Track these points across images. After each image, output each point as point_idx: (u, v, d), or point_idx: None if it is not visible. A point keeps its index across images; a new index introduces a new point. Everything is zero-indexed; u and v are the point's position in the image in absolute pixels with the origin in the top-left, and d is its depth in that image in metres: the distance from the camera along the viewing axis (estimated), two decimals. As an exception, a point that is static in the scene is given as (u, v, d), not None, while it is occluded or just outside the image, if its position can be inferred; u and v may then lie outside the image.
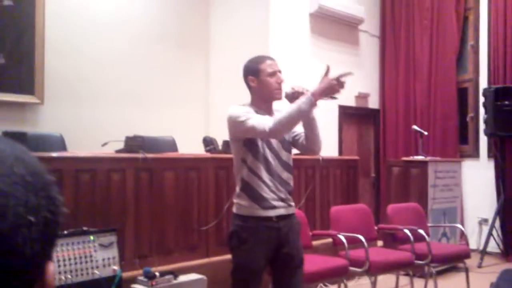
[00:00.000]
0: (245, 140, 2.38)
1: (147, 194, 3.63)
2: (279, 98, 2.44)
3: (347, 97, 6.43)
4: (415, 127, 5.60)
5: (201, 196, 3.97)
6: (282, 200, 2.42)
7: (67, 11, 5.03)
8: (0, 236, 0.45)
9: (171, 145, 4.86)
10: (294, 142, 2.52)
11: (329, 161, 5.01)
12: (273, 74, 2.40)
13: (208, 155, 4.28)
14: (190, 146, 5.03)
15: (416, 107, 6.59)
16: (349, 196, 5.20)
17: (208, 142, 4.90)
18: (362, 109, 6.87)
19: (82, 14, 5.15)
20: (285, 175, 2.45)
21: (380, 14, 7.03)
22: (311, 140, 2.45)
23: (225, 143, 4.33)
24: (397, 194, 5.35)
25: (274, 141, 2.42)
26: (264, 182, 2.37)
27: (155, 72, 5.74)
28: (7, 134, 3.21)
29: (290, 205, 2.46)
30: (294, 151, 2.60)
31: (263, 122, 2.27)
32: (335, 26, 6.32)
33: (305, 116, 2.30)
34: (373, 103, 7.02)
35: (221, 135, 5.07)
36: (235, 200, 2.48)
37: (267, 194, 2.37)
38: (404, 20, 6.73)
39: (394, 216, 4.24)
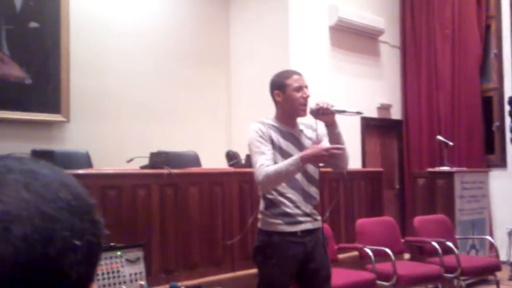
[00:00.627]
0: None
1: (172, 209, 3.66)
2: (303, 115, 2.44)
3: (369, 109, 6.39)
4: (439, 137, 5.53)
5: (225, 210, 3.98)
6: (307, 215, 2.40)
7: (91, 31, 5.14)
8: (48, 261, 0.46)
9: (195, 160, 4.90)
10: None
11: (353, 173, 4.97)
12: (299, 89, 2.40)
13: (232, 169, 4.30)
14: (213, 161, 5.06)
15: (439, 117, 6.52)
16: (373, 208, 5.14)
17: (231, 157, 4.92)
18: (385, 120, 6.82)
19: (106, 34, 5.25)
20: (311, 189, 2.43)
21: (400, 25, 7.00)
22: (337, 156, 2.43)
23: (248, 157, 4.34)
24: (423, 206, 5.27)
25: None
26: (287, 198, 2.36)
27: (178, 88, 5.81)
28: (35, 153, 3.28)
29: (316, 220, 2.44)
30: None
31: (260, 168, 2.28)
32: (355, 38, 6.32)
33: (292, 176, 2.32)
34: (396, 114, 6.97)
35: (244, 149, 5.11)
36: (259, 216, 2.47)
37: (291, 209, 2.36)
38: (424, 30, 6.69)
39: (421, 228, 4.18)
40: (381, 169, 5.55)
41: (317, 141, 2.39)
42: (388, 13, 6.78)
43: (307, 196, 2.41)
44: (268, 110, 6.29)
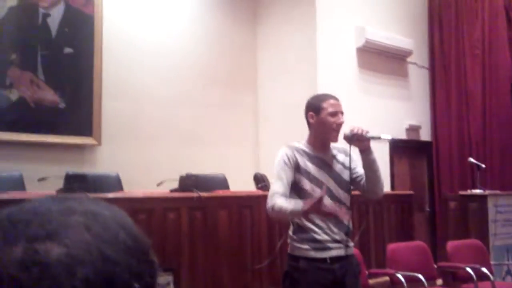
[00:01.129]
0: (292, 183, 2.36)
1: (201, 232, 3.66)
2: (335, 141, 2.40)
3: (397, 130, 6.33)
4: (471, 159, 5.42)
5: (254, 234, 3.96)
6: (337, 241, 2.34)
7: (122, 56, 5.26)
8: None
9: (223, 183, 4.91)
10: (355, 183, 2.44)
11: (382, 197, 4.90)
12: (334, 114, 2.36)
13: (260, 192, 4.29)
14: (240, 183, 5.07)
15: (470, 139, 6.40)
16: (404, 232, 5.05)
17: (259, 179, 4.92)
18: (414, 141, 6.73)
19: (137, 59, 5.37)
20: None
21: (428, 45, 6.96)
22: (373, 183, 2.38)
23: (277, 180, 4.33)
24: (455, 230, 5.15)
25: (330, 182, 2.37)
26: (316, 224, 2.32)
27: (207, 111, 5.87)
28: (70, 176, 3.35)
29: (347, 246, 2.38)
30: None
31: (272, 196, 2.29)
32: (382, 59, 6.30)
33: (291, 218, 2.34)
34: (425, 135, 6.87)
35: (271, 171, 5.11)
36: (288, 240, 2.44)
37: (319, 235, 2.31)
38: (454, 50, 6.63)
39: (454, 253, 4.08)
40: (411, 192, 5.46)
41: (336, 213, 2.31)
42: (416, 33, 6.75)
43: (338, 223, 2.35)
44: (295, 132, 6.28)
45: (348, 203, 2.43)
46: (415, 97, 6.77)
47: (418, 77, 6.83)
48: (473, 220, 5.04)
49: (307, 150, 2.40)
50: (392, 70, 6.46)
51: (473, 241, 4.46)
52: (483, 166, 5.38)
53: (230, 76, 6.15)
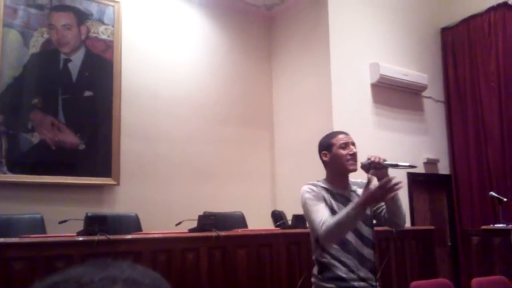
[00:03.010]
0: None
1: (220, 272, 3.63)
2: (353, 170, 2.39)
3: (415, 164, 6.28)
4: (492, 193, 5.34)
5: (273, 273, 3.92)
6: (362, 279, 2.31)
7: (140, 98, 5.38)
8: None
9: (241, 221, 4.91)
10: (376, 216, 2.43)
11: (403, 232, 4.82)
12: (345, 146, 2.39)
13: (279, 230, 4.26)
14: (258, 220, 5.06)
15: (490, 172, 6.31)
16: (426, 268, 4.94)
17: (277, 217, 4.90)
18: (432, 175, 6.67)
19: (154, 100, 5.48)
20: (366, 251, 2.35)
21: (443, 79, 6.98)
22: (394, 213, 2.35)
23: (295, 217, 4.32)
24: (479, 266, 5.03)
25: None
26: (341, 261, 2.29)
27: (222, 149, 5.92)
28: (90, 218, 3.38)
29: (371, 285, 2.35)
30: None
31: (320, 224, 2.22)
32: (397, 94, 6.32)
33: (354, 223, 2.23)
34: (444, 168, 6.81)
35: (289, 208, 5.09)
36: (312, 279, 2.42)
37: (345, 274, 2.28)
38: (469, 84, 6.63)
39: (479, 291, 3.96)
40: (432, 227, 5.37)
41: (369, 179, 2.26)
42: (430, 68, 6.78)
43: (363, 260, 2.33)
44: (311, 168, 6.28)
45: (371, 238, 2.40)
46: (431, 130, 6.74)
47: (434, 111, 6.83)
48: (497, 256, 4.91)
49: (328, 187, 2.41)
50: (408, 105, 6.47)
51: (498, 278, 4.34)
52: (505, 199, 5.29)
53: (246, 113, 6.22)
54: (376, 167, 2.29)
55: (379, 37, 6.27)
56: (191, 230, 3.76)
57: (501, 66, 6.29)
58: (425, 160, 6.52)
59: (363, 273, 2.32)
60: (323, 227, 2.21)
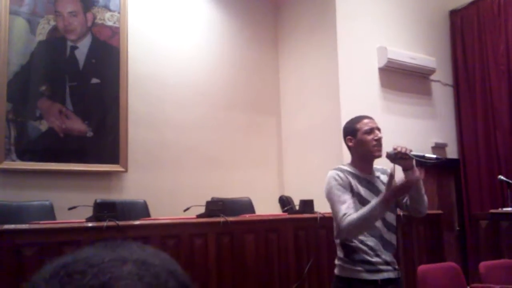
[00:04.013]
0: None
1: (228, 257, 3.66)
2: (379, 156, 2.39)
3: (423, 149, 6.23)
4: (501, 177, 5.31)
5: (281, 258, 3.94)
6: (387, 263, 2.33)
7: (147, 85, 5.38)
8: None
9: (248, 206, 4.93)
10: (398, 202, 2.44)
11: (410, 217, 4.82)
12: (371, 131, 2.38)
13: (286, 215, 4.28)
14: (266, 206, 5.07)
15: (499, 156, 6.27)
16: (434, 253, 4.94)
17: (285, 202, 4.92)
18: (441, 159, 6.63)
19: (161, 87, 5.48)
20: (389, 236, 2.37)
21: (452, 63, 6.90)
22: (416, 200, 2.36)
23: (302, 202, 4.33)
24: (487, 250, 5.02)
25: None
26: (367, 245, 2.31)
27: (231, 136, 5.93)
28: (98, 205, 3.41)
29: (395, 269, 2.36)
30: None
31: (343, 218, 2.23)
32: (405, 78, 6.27)
33: (377, 219, 2.25)
34: (452, 153, 6.77)
35: (296, 193, 5.10)
36: (337, 262, 2.42)
37: (371, 257, 2.30)
38: (478, 67, 6.56)
39: (487, 274, 3.97)
40: (440, 212, 5.36)
41: (392, 173, 2.27)
42: (439, 51, 6.71)
43: (387, 244, 2.35)
44: (318, 155, 6.27)
45: (394, 222, 2.42)
46: (440, 115, 6.70)
47: (442, 95, 6.77)
48: (505, 239, 4.90)
49: (355, 172, 2.40)
50: (416, 89, 6.42)
51: (506, 261, 4.34)
52: (514, 183, 5.26)
53: (253, 99, 6.21)
54: (402, 158, 2.27)
55: (386, 21, 6.20)
56: (199, 216, 3.78)
57: (510, 49, 6.21)
58: (433, 145, 6.49)
59: (388, 257, 2.34)
60: (346, 221, 2.22)
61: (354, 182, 2.37)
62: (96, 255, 0.51)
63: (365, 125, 2.40)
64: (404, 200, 2.41)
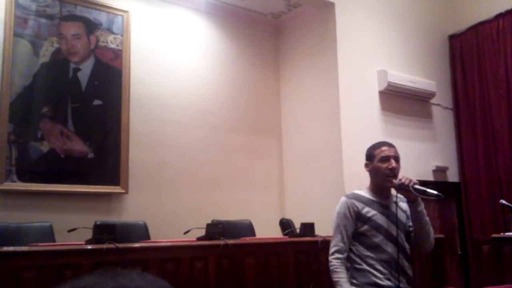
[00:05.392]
0: (355, 234, 2.39)
1: (228, 281, 3.63)
2: (390, 186, 2.39)
3: (424, 172, 6.26)
4: (503, 201, 5.29)
5: (282, 282, 3.90)
6: None
7: (148, 107, 5.40)
8: None
9: (249, 229, 4.91)
10: (407, 235, 2.44)
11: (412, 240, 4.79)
12: (386, 159, 2.39)
13: (287, 238, 4.25)
14: (266, 229, 5.05)
15: (500, 180, 6.25)
16: (436, 277, 4.89)
17: (286, 225, 4.89)
18: (441, 183, 6.62)
19: (162, 109, 5.51)
20: (404, 263, 2.36)
21: (451, 86, 6.95)
22: (421, 236, 2.38)
23: (303, 225, 4.30)
24: (489, 274, 4.97)
25: (392, 228, 2.36)
26: (376, 269, 2.29)
27: (231, 158, 5.93)
28: (98, 226, 3.39)
29: None
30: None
31: (332, 252, 2.35)
32: (405, 102, 6.30)
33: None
34: (453, 176, 6.76)
35: (297, 216, 5.08)
36: None
37: (381, 281, 2.28)
38: (477, 90, 6.59)
39: (490, 300, 3.92)
40: (441, 236, 5.32)
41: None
42: (438, 75, 6.76)
43: (400, 270, 2.32)
44: (319, 177, 6.25)
45: (408, 251, 2.42)
46: (440, 138, 6.71)
47: (442, 118, 6.80)
48: (508, 264, 4.86)
49: (369, 197, 2.41)
50: (416, 112, 6.45)
51: (509, 287, 4.28)
52: (515, 207, 5.24)
53: (254, 121, 6.23)
54: (405, 189, 2.29)
55: (386, 45, 6.26)
56: (199, 239, 3.76)
57: (510, 73, 6.25)
58: (434, 168, 6.48)
59: (401, 283, 2.31)
60: (329, 258, 2.34)
61: (367, 209, 2.37)
62: (97, 284, 0.51)
63: (382, 152, 2.42)
64: (411, 233, 2.41)
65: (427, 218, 2.36)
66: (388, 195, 2.43)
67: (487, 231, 5.85)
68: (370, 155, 2.45)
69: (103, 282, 0.52)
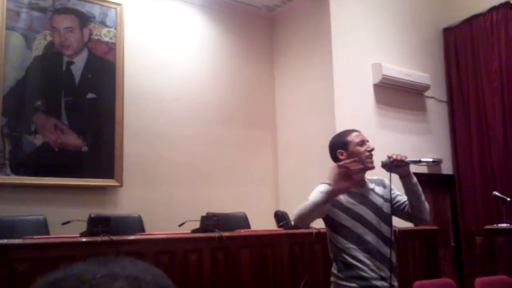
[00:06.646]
0: (327, 220, 2.35)
1: (223, 273, 3.64)
2: (371, 167, 2.37)
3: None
4: (496, 193, 5.33)
5: (276, 273, 3.92)
6: (383, 279, 2.29)
7: (143, 100, 5.39)
8: None
9: (244, 222, 4.92)
10: (398, 212, 2.40)
11: (406, 233, 4.82)
12: (362, 143, 2.38)
13: (282, 230, 4.26)
14: (261, 221, 5.05)
15: (493, 171, 6.29)
16: (429, 268, 4.93)
17: (280, 217, 4.90)
18: (436, 175, 6.65)
19: (157, 102, 5.49)
20: (386, 250, 2.32)
21: (446, 79, 6.97)
22: (417, 208, 2.33)
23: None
24: (482, 265, 5.01)
25: (371, 216, 2.33)
26: (361, 261, 2.27)
27: (226, 151, 5.93)
28: (93, 219, 3.39)
29: (392, 285, 2.31)
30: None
31: (298, 208, 2.21)
32: (400, 95, 6.32)
33: (320, 207, 2.17)
34: (447, 169, 6.79)
35: (292, 209, 5.08)
36: (332, 279, 2.39)
37: (366, 273, 2.26)
38: (471, 83, 6.62)
39: (483, 291, 3.95)
40: (435, 227, 5.35)
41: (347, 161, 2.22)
42: (433, 68, 6.78)
43: (382, 259, 2.30)
44: (314, 169, 6.26)
45: (390, 236, 2.37)
46: (434, 130, 6.73)
47: (437, 111, 6.82)
48: (501, 255, 4.90)
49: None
50: (410, 105, 6.46)
51: (502, 277, 4.32)
52: (508, 199, 5.27)
53: (248, 114, 6.23)
54: (398, 165, 2.27)
55: (381, 38, 6.27)
56: (194, 231, 3.77)
57: (504, 66, 6.27)
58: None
59: (384, 272, 2.29)
60: (295, 211, 2.21)
61: (344, 199, 2.34)
62: (88, 271, 0.51)
63: (356, 137, 2.41)
64: (406, 209, 2.38)
65: (420, 189, 2.34)
66: (362, 183, 2.40)
67: (481, 222, 5.89)
68: (343, 143, 2.41)
69: (95, 269, 0.52)
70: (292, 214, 4.42)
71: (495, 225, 5.22)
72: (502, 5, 6.33)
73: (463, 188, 6.63)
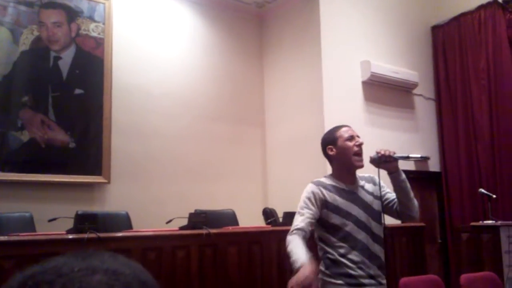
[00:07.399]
0: (318, 220, 2.34)
1: (211, 270, 3.64)
2: (360, 166, 2.37)
3: (406, 162, 6.30)
4: (482, 190, 5.38)
5: (264, 270, 3.93)
6: (371, 277, 2.28)
7: (131, 96, 5.36)
8: None
9: (232, 218, 4.92)
10: (387, 210, 2.40)
11: (392, 229, 4.86)
12: (351, 138, 2.37)
13: (270, 227, 4.27)
14: (249, 218, 5.06)
15: (480, 169, 6.35)
16: (416, 265, 4.97)
17: (269, 214, 4.91)
18: (423, 172, 6.71)
19: (145, 98, 5.47)
20: (376, 248, 2.32)
21: (434, 77, 7.01)
22: (406, 205, 2.34)
23: (286, 214, 4.33)
24: (468, 262, 5.07)
25: (361, 214, 2.32)
26: (349, 259, 2.26)
27: (214, 148, 5.92)
28: (80, 216, 3.37)
29: (380, 283, 2.31)
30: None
31: (292, 231, 2.23)
32: (388, 92, 6.35)
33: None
34: (434, 166, 6.85)
35: (280, 206, 5.10)
36: (319, 276, 2.36)
37: (354, 271, 2.25)
38: (459, 81, 6.66)
39: (469, 287, 3.99)
40: (422, 224, 5.40)
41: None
42: (421, 66, 6.82)
43: (372, 257, 2.29)
44: (303, 166, 6.28)
45: (381, 234, 2.37)
46: (422, 128, 6.78)
47: (424, 109, 6.86)
48: (486, 252, 4.96)
49: (334, 184, 2.37)
50: (398, 103, 6.50)
51: (487, 274, 4.37)
52: (494, 196, 5.33)
53: (237, 111, 6.22)
54: (386, 161, 2.27)
55: (370, 36, 6.29)
56: (181, 228, 3.76)
57: (491, 64, 6.32)
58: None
59: (372, 270, 2.28)
60: (289, 237, 2.23)
61: (331, 196, 2.34)
62: (66, 265, 0.51)
63: (345, 132, 2.40)
64: (395, 207, 2.38)
65: (409, 185, 2.35)
66: (353, 180, 2.40)
67: (467, 219, 5.95)
68: (332, 139, 2.40)
69: (73, 262, 0.51)
70: (280, 212, 4.45)
71: (481, 222, 5.28)
72: (490, 4, 6.38)
73: (449, 185, 6.69)
